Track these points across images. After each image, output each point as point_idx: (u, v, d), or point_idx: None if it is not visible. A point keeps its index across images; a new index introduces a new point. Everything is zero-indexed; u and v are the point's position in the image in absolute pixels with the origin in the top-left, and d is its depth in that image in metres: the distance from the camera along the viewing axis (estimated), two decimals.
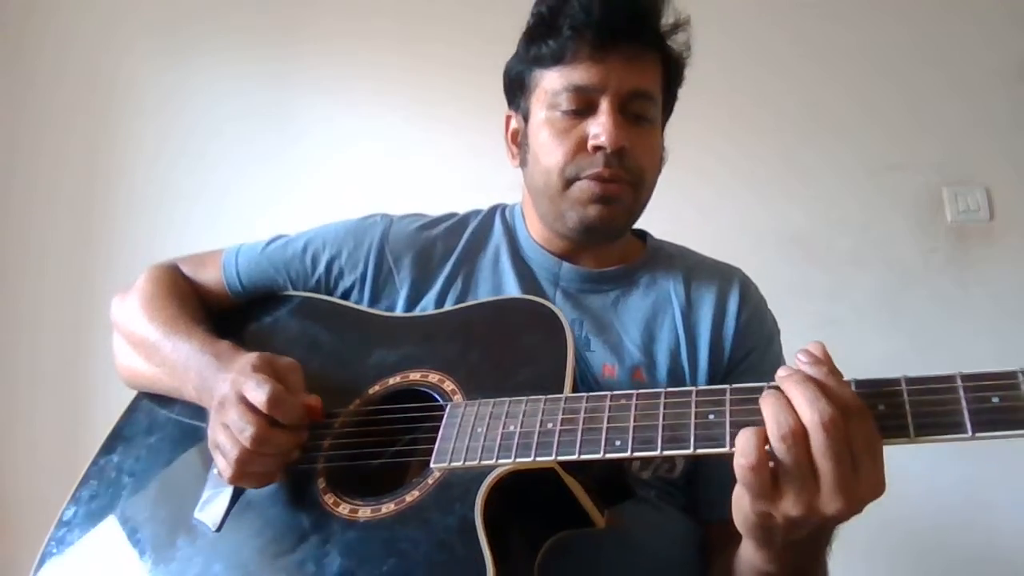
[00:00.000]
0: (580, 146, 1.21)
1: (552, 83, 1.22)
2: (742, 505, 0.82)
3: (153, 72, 2.70)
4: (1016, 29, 2.48)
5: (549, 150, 1.23)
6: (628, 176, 1.21)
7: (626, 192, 1.22)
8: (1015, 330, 2.30)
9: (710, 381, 1.23)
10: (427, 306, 1.29)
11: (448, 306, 1.27)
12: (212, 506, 1.10)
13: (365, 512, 1.00)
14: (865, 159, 2.47)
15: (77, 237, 2.54)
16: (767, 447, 0.78)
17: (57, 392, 2.39)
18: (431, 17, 2.61)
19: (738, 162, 2.47)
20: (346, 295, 1.33)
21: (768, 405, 0.79)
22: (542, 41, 1.23)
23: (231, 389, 1.07)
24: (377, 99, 2.65)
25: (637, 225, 1.34)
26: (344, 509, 1.02)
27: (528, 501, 0.97)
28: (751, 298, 1.31)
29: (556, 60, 1.21)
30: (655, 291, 1.30)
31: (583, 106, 1.20)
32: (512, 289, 1.29)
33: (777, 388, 0.81)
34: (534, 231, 1.35)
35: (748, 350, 1.26)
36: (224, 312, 1.37)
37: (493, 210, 1.44)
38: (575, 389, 1.00)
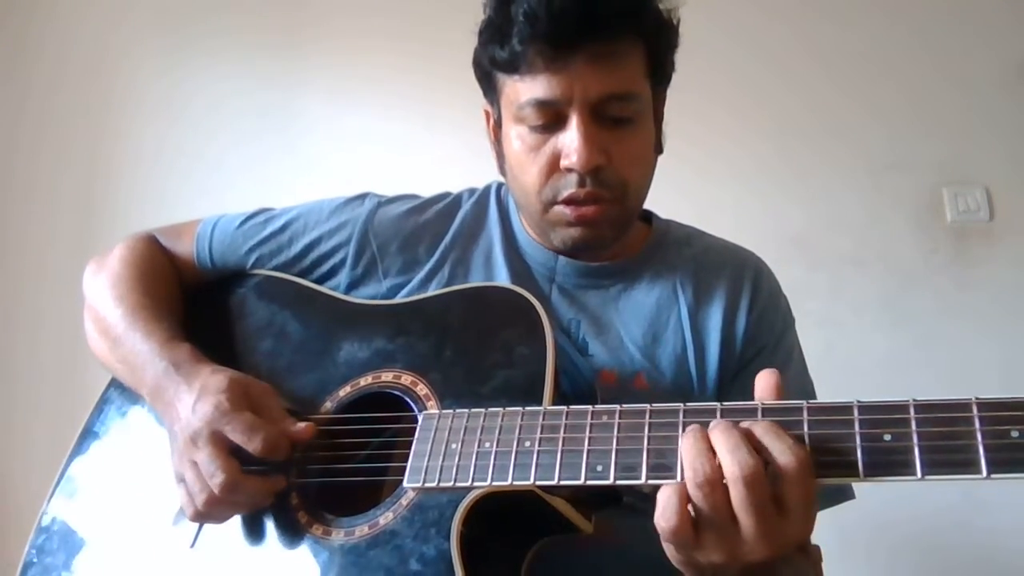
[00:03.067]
0: (553, 165, 1.06)
1: (514, 94, 1.06)
2: (667, 547, 0.76)
3: (153, 73, 2.63)
4: (1016, 29, 2.39)
5: (523, 169, 1.09)
6: (608, 193, 1.06)
7: (608, 210, 1.08)
8: (1015, 330, 2.22)
9: (720, 383, 1.10)
10: (408, 295, 1.16)
11: (427, 293, 1.15)
12: (186, 521, 1.02)
13: (339, 535, 0.93)
14: (865, 159, 2.38)
15: (77, 237, 2.48)
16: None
17: (57, 393, 2.32)
18: (431, 17, 2.53)
19: (738, 162, 2.39)
20: (322, 280, 1.21)
21: (686, 447, 0.73)
22: (495, 46, 1.06)
23: (206, 426, 0.96)
24: (378, 100, 2.58)
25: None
26: (318, 530, 0.95)
27: (508, 517, 0.88)
28: (763, 290, 1.16)
29: (513, 69, 1.05)
30: (660, 286, 1.16)
31: (551, 120, 1.04)
32: (504, 282, 1.16)
33: (768, 408, 0.75)
34: (527, 223, 1.21)
35: (759, 348, 1.13)
36: (194, 288, 1.27)
37: (488, 189, 1.28)
38: (558, 391, 0.92)
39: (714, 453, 0.71)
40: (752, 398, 1.07)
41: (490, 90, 1.14)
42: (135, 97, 2.61)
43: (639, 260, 1.19)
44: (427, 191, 1.29)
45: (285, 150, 2.54)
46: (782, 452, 0.69)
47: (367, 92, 2.59)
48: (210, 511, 0.96)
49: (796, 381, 1.15)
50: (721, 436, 0.72)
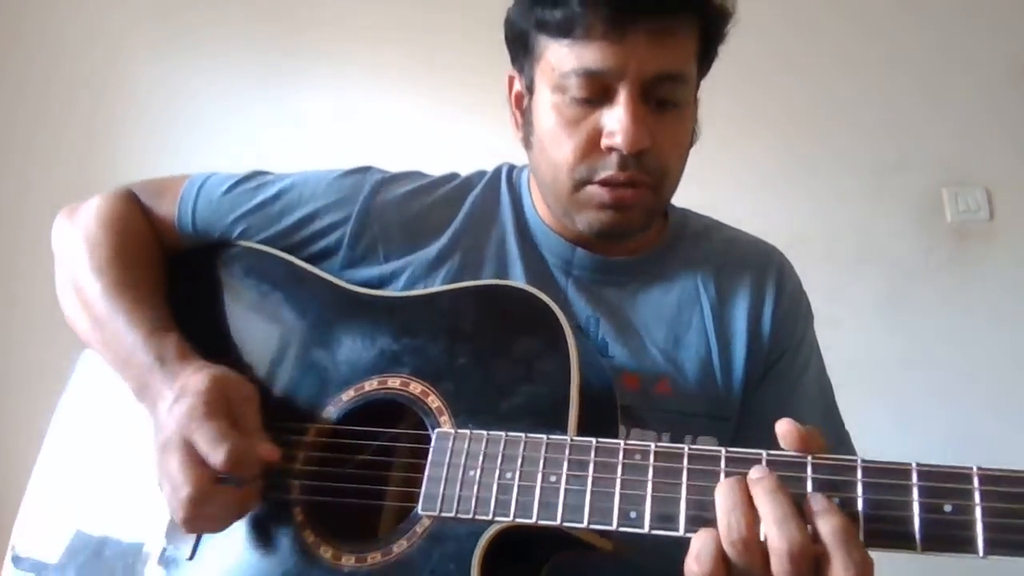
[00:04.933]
0: (593, 142, 0.98)
1: (560, 60, 0.97)
2: None
3: (148, 64, 2.60)
4: (1014, 30, 2.38)
5: (557, 143, 1.00)
6: (648, 178, 0.99)
7: (644, 196, 1.00)
8: (1016, 330, 2.22)
9: (746, 388, 1.05)
10: (413, 283, 1.08)
11: (437, 286, 1.06)
12: (181, 532, 0.96)
13: (349, 560, 0.87)
14: (865, 160, 2.37)
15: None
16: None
17: (55, 392, 2.27)
18: None
19: (739, 163, 2.36)
20: (315, 259, 1.12)
21: (721, 496, 0.69)
22: (545, 6, 0.97)
23: (177, 432, 0.89)
24: (380, 85, 2.55)
25: None
26: (327, 553, 0.89)
27: (529, 544, 0.84)
28: (786, 288, 1.11)
29: (563, 33, 0.96)
30: (680, 284, 1.10)
31: (597, 93, 0.96)
32: (518, 277, 1.08)
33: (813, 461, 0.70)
34: (543, 211, 1.13)
35: (781, 352, 1.08)
36: (174, 255, 1.17)
37: (498, 173, 1.20)
38: (583, 406, 0.85)
39: (752, 507, 0.67)
40: (776, 406, 1.04)
41: (524, 54, 1.05)
42: (130, 92, 2.58)
43: (657, 255, 1.13)
44: (432, 168, 1.22)
45: (285, 142, 2.49)
46: (847, 568, 0.63)
47: (369, 87, 2.56)
48: (192, 525, 0.90)
49: (815, 381, 1.12)
50: (767, 502, 0.67)
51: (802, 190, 2.36)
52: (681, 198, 1.22)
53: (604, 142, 0.97)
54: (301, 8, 2.58)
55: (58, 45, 2.59)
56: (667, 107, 0.99)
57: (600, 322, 1.06)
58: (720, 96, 2.21)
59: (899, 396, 2.17)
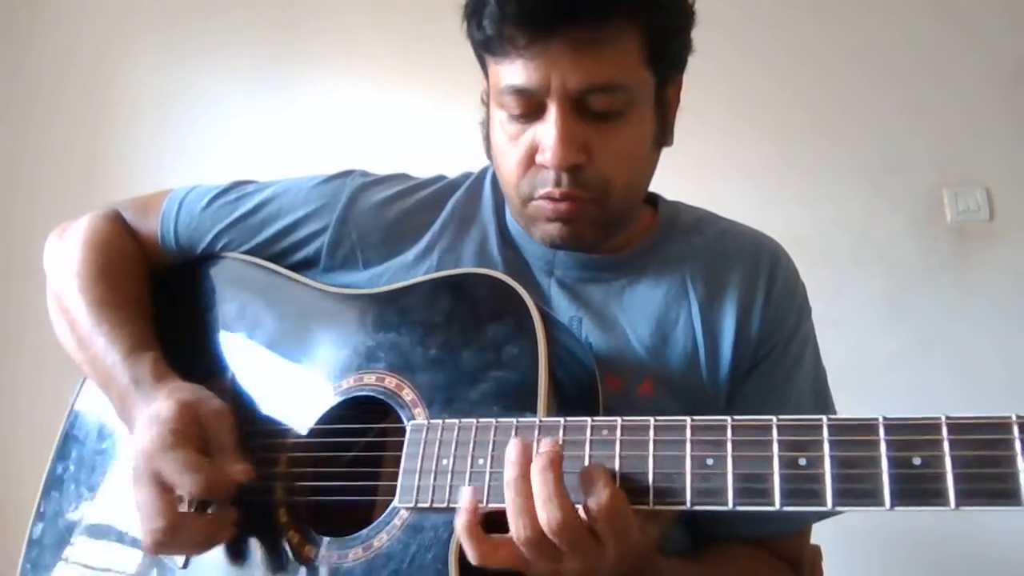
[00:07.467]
0: (530, 158, 0.95)
1: (495, 77, 0.95)
2: None
3: (151, 70, 2.62)
4: (1013, 31, 2.35)
5: (503, 158, 0.98)
6: (587, 192, 0.95)
7: (587, 209, 0.96)
8: (1015, 330, 2.18)
9: (731, 381, 1.00)
10: (391, 282, 1.05)
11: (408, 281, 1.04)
12: None
13: (331, 557, 0.86)
14: (865, 160, 2.34)
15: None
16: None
17: (55, 394, 2.26)
18: None
19: (739, 163, 2.34)
20: (296, 269, 1.11)
21: (509, 503, 0.73)
22: (473, 25, 0.94)
23: (146, 463, 0.88)
24: (381, 87, 2.55)
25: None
26: (310, 551, 0.88)
27: (504, 528, 0.79)
28: (779, 280, 1.05)
29: (490, 51, 0.94)
30: (667, 280, 1.04)
31: (530, 109, 0.93)
32: None
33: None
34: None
35: (773, 344, 1.02)
36: (162, 270, 1.17)
37: (483, 175, 1.17)
38: (554, 390, 0.83)
39: (529, 487, 0.72)
40: (767, 397, 1.02)
41: (483, 67, 1.02)
42: (135, 90, 2.60)
43: (644, 252, 1.08)
44: (433, 168, 1.20)
45: (287, 132, 2.51)
46: (590, 495, 0.70)
47: (369, 71, 2.57)
48: (159, 552, 0.90)
49: (809, 375, 1.06)
50: (537, 483, 0.72)
51: (802, 191, 2.34)
52: (685, 198, 1.19)
53: (537, 158, 0.95)
54: (302, 12, 2.59)
55: (62, 52, 2.62)
56: (608, 118, 0.93)
57: (583, 322, 1.03)
58: (725, 96, 2.23)
59: (897, 396, 2.13)
